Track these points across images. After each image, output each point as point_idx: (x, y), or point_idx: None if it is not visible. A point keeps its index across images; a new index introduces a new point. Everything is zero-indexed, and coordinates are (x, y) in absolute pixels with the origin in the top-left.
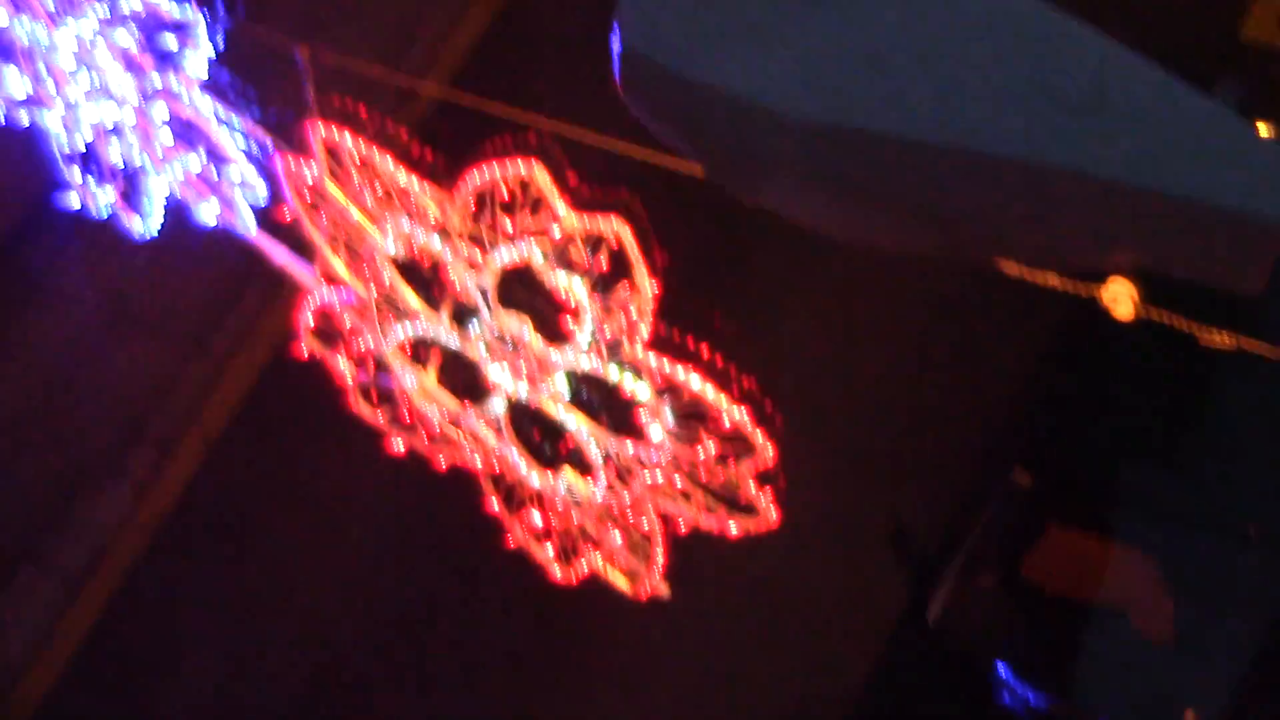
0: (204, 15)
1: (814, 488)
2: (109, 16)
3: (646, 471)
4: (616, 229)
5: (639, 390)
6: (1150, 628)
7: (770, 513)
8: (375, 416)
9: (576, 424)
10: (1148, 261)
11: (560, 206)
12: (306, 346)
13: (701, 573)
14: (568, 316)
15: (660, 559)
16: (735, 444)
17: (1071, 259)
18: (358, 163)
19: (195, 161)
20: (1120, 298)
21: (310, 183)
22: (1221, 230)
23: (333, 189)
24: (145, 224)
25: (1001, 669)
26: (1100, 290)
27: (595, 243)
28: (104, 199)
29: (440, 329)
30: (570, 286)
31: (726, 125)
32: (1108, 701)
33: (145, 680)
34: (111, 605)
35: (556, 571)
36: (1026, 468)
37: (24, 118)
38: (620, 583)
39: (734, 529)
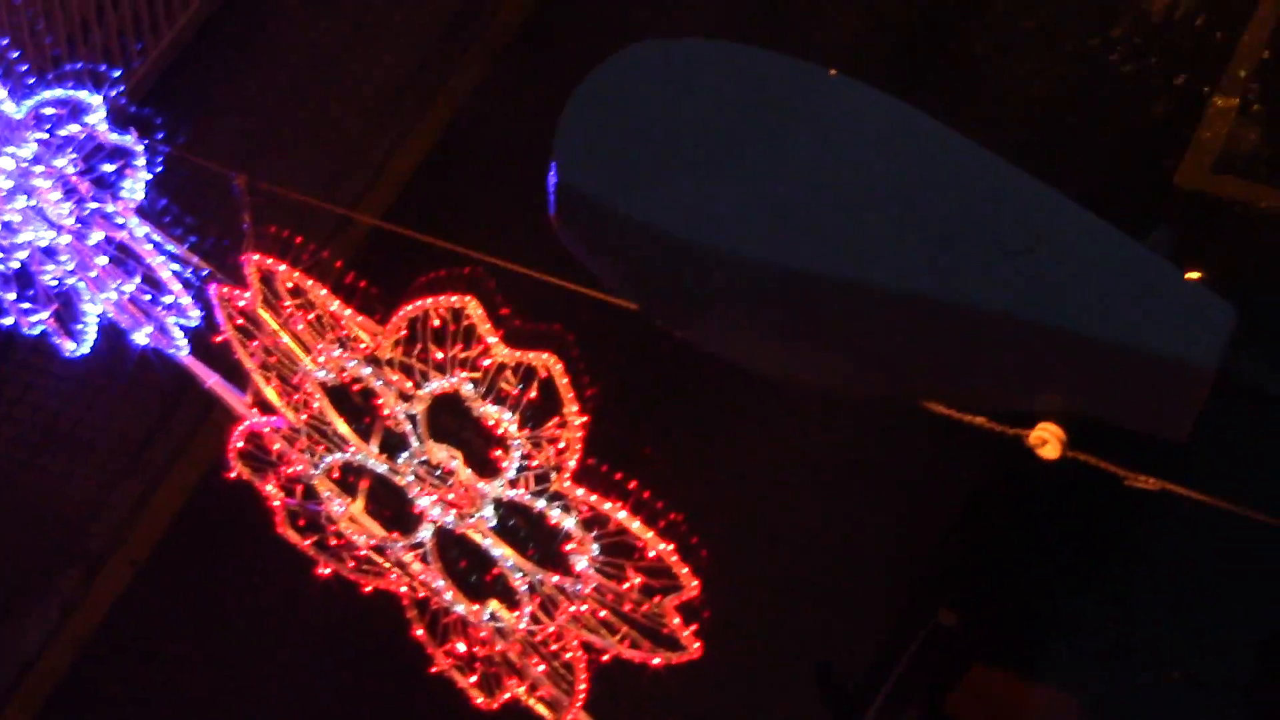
0: (142, 142)
1: (739, 621)
2: (47, 139)
3: (571, 603)
4: (547, 361)
5: (566, 522)
6: None
7: (694, 645)
8: (302, 542)
9: (503, 554)
10: (1076, 406)
11: (491, 338)
12: (235, 470)
13: (622, 704)
14: (497, 448)
15: (582, 689)
16: (661, 577)
17: (1000, 402)
18: (291, 290)
19: (130, 285)
20: (1048, 440)
21: (243, 309)
22: (1150, 375)
23: (266, 316)
24: (78, 345)
25: None
26: (1028, 433)
27: (526, 375)
28: (36, 319)
29: (369, 457)
30: (499, 418)
31: (661, 261)
32: None
33: None
34: None
35: (478, 699)
36: (952, 606)
37: None
38: (542, 712)
39: (656, 661)
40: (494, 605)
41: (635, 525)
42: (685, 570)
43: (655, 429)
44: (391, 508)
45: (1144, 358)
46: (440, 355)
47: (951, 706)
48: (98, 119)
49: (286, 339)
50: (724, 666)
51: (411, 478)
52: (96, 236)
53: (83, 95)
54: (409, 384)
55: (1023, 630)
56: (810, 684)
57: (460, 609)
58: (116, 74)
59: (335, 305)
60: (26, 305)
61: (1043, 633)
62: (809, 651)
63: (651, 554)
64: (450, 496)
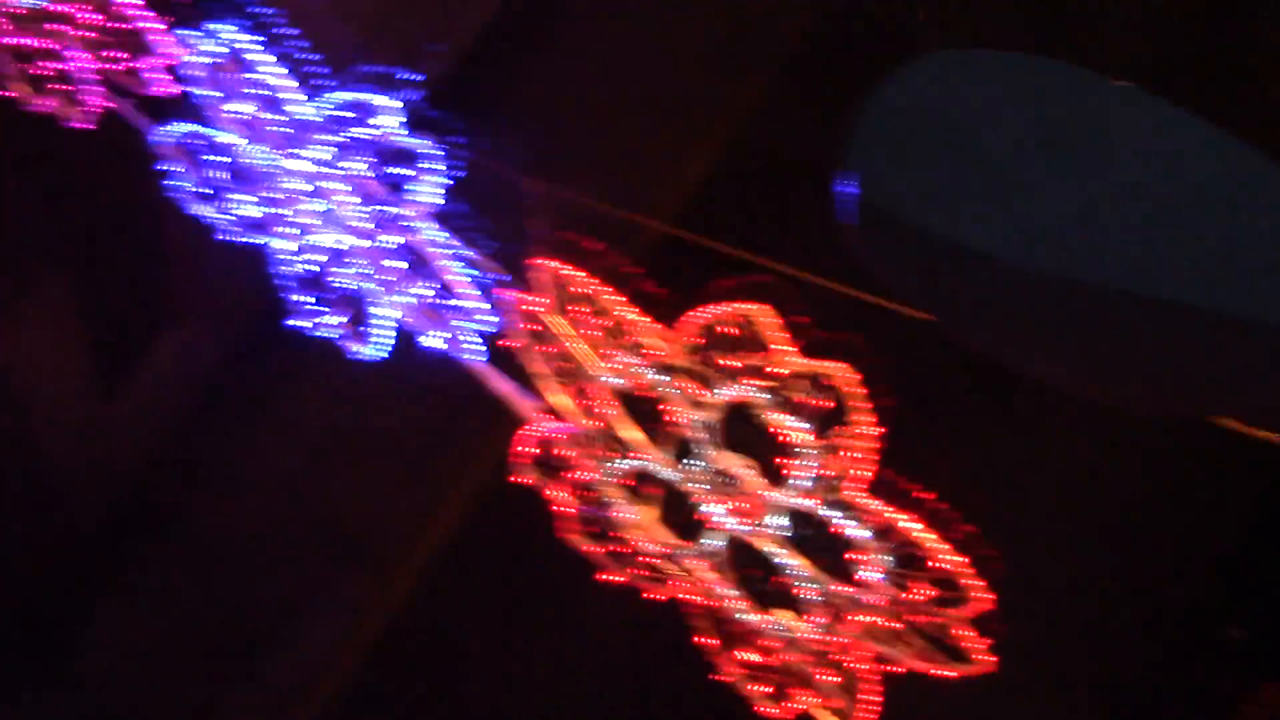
0: (437, 145)
1: (1029, 635)
2: (343, 143)
3: (863, 614)
4: (841, 371)
5: (858, 533)
6: None
7: (987, 659)
8: (591, 549)
9: (793, 563)
10: None
11: (785, 346)
12: (524, 476)
13: (914, 717)
14: (789, 456)
15: (873, 701)
16: (954, 589)
17: None
18: (583, 296)
19: (424, 290)
20: None
21: (535, 314)
22: None
23: (558, 322)
24: (372, 350)
25: None
26: None
27: (819, 384)
28: (332, 324)
29: (660, 464)
30: (792, 426)
31: (958, 276)
32: None
33: None
34: None
35: (768, 709)
36: (1241, 623)
37: (255, 241)
38: None
39: (950, 675)
40: (784, 614)
41: (928, 537)
42: (979, 582)
43: (949, 441)
44: (682, 516)
45: None
46: (733, 362)
47: None
48: (392, 121)
49: (578, 345)
50: (1016, 681)
51: (703, 485)
52: (390, 240)
53: (377, 98)
54: (701, 391)
55: None
56: (1097, 702)
57: (751, 618)
58: (411, 77)
59: (627, 311)
60: (321, 309)
61: None
62: (1097, 668)
63: (944, 566)
64: (741, 505)
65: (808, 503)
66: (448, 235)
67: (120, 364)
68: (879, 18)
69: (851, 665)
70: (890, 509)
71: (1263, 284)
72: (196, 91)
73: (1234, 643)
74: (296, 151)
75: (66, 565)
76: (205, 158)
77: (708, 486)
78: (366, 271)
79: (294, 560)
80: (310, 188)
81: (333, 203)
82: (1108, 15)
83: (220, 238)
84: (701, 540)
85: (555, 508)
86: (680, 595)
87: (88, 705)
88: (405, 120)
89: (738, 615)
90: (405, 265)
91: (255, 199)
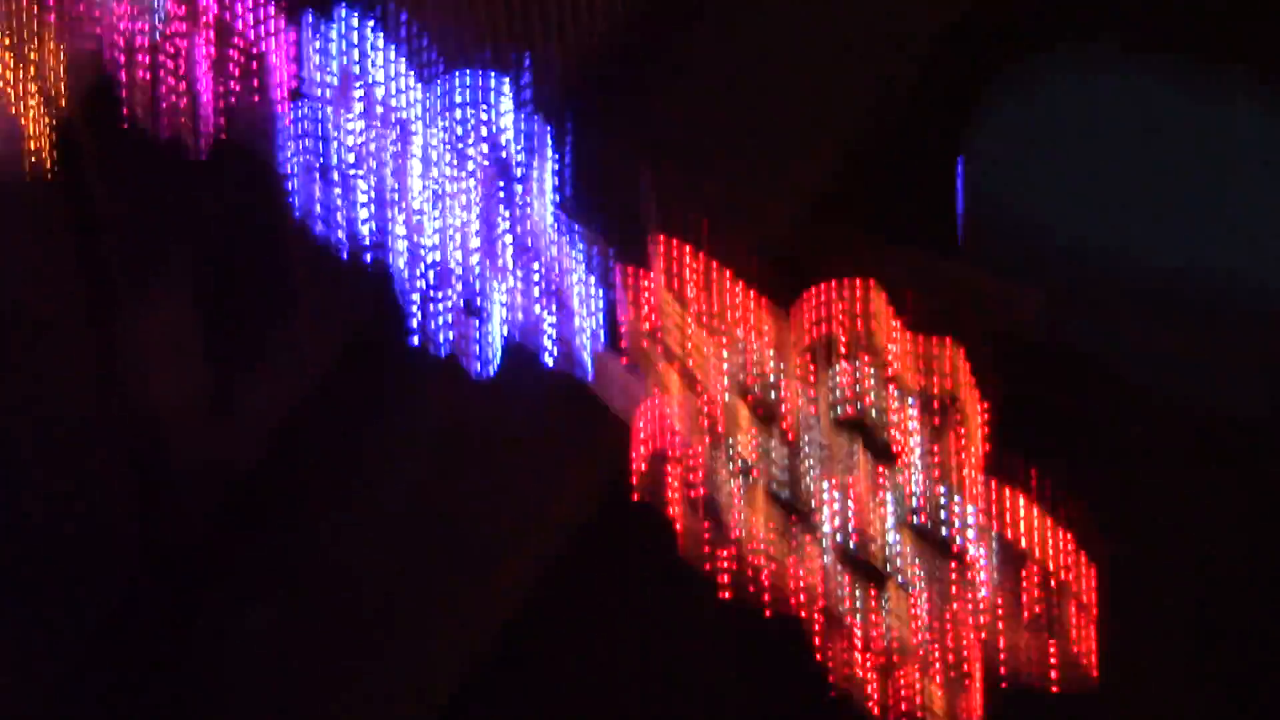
0: (550, 133)
1: (1138, 644)
2: (456, 134)
3: (969, 604)
4: (952, 356)
5: (967, 520)
6: None
7: (1091, 661)
8: (703, 531)
9: (903, 549)
10: None
11: (896, 331)
12: (640, 464)
13: (1019, 716)
14: (899, 441)
15: (979, 697)
16: (1061, 586)
17: None
18: (697, 280)
19: (536, 290)
20: None
21: (648, 298)
22: None
23: (671, 304)
24: (484, 365)
25: None
26: None
27: (930, 369)
28: (445, 334)
29: (772, 447)
30: (903, 411)
31: (1068, 265)
32: None
33: None
34: None
35: (875, 700)
36: None
37: (367, 243)
38: (937, 717)
39: (1054, 674)
40: (892, 602)
41: (1038, 529)
42: (1087, 581)
43: (1059, 432)
44: (793, 499)
45: None
46: (844, 346)
47: None
48: (508, 107)
49: (691, 327)
50: (1121, 687)
51: (812, 465)
52: (504, 229)
53: (493, 83)
54: (815, 375)
55: None
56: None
57: (859, 603)
58: (527, 63)
59: (741, 295)
60: (438, 320)
61: None
62: (1213, 690)
63: (1053, 562)
64: (854, 489)
65: (916, 484)
66: (561, 218)
67: (241, 371)
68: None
69: (958, 658)
70: (1001, 498)
71: None
72: (316, 100)
73: None
74: (414, 148)
75: (182, 566)
76: (325, 168)
77: (818, 466)
78: (482, 271)
79: (408, 564)
80: (429, 191)
81: (448, 186)
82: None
83: (340, 246)
84: (812, 523)
85: (672, 516)
86: (791, 595)
87: (202, 696)
88: (519, 105)
89: (846, 601)
90: (519, 255)
91: (374, 208)
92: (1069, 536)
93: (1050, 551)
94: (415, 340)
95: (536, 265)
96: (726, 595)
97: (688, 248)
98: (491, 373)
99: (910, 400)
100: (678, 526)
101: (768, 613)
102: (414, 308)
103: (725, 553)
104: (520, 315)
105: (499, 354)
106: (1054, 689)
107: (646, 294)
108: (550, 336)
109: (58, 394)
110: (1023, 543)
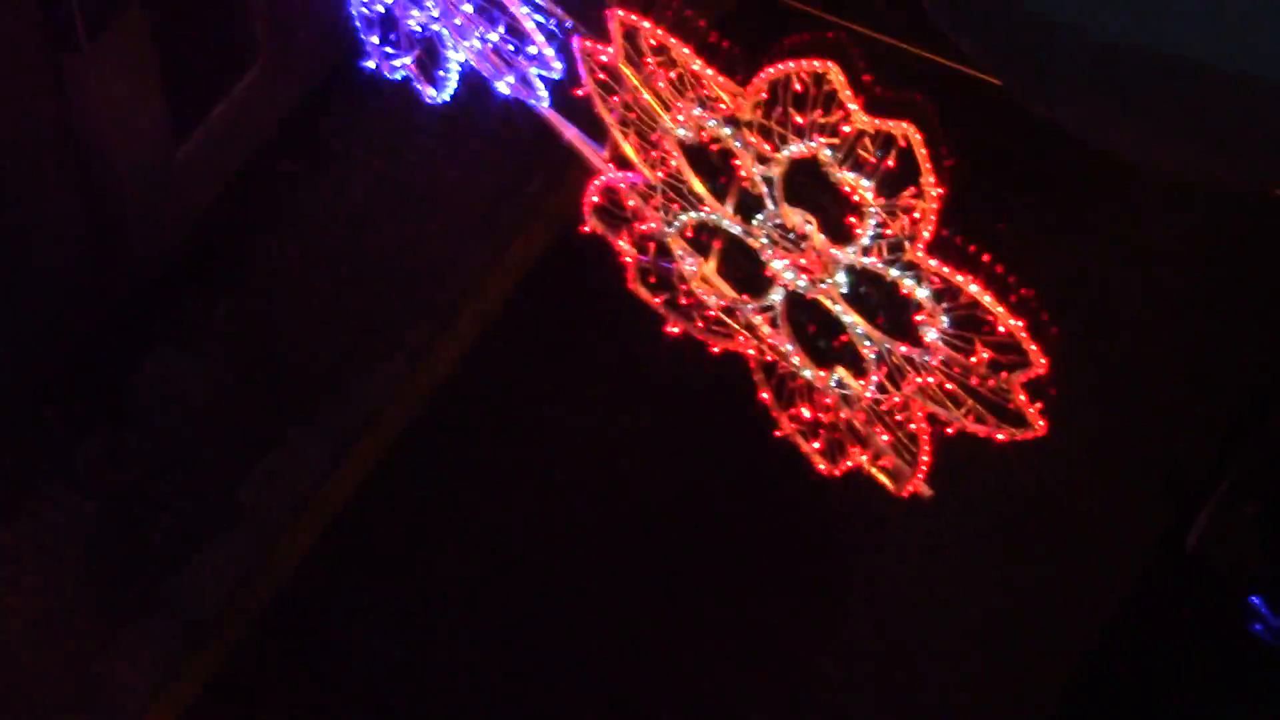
0: None
1: (1083, 405)
2: None
3: (918, 374)
4: (907, 131)
5: (917, 292)
6: None
7: (1038, 424)
8: (653, 299)
9: (852, 321)
10: None
11: (852, 105)
12: (590, 225)
13: (963, 477)
14: (852, 214)
15: (925, 460)
16: (1009, 353)
17: None
18: (654, 48)
19: (494, 34)
20: None
21: (605, 64)
22: None
23: (627, 71)
24: (439, 92)
25: (1256, 601)
26: None
27: (884, 143)
28: (399, 64)
29: (724, 217)
30: (856, 184)
31: (1029, 40)
32: None
33: (404, 550)
34: (377, 473)
35: (821, 465)
36: None
37: None
38: (883, 480)
39: (1000, 437)
40: (841, 372)
41: (986, 299)
42: (1034, 347)
43: (1014, 205)
44: (743, 269)
45: None
46: (800, 120)
47: None
48: None
49: (647, 95)
50: (1065, 449)
51: (765, 240)
52: None
53: None
54: (767, 146)
55: None
56: (1150, 473)
57: (807, 374)
58: None
59: (697, 64)
60: (390, 50)
61: None
62: (1150, 441)
63: (1001, 329)
64: (803, 261)
65: (869, 260)
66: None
67: (193, 107)
68: None
69: (906, 424)
70: (951, 270)
71: None
72: None
73: None
74: None
75: (132, 308)
76: None
77: (770, 241)
78: (436, 13)
79: (354, 308)
80: None
81: None
82: None
83: None
84: (763, 295)
85: (620, 258)
86: (739, 350)
87: (148, 447)
88: None
89: (797, 371)
90: (474, 8)
91: None
92: (1018, 313)
93: (999, 327)
94: (368, 64)
95: (490, 25)
96: (674, 331)
97: (646, 12)
98: (447, 99)
99: (865, 176)
100: (632, 289)
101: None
102: (369, 38)
103: (675, 322)
104: (474, 64)
105: (455, 82)
106: (998, 457)
107: (602, 60)
108: (504, 85)
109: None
110: (974, 318)
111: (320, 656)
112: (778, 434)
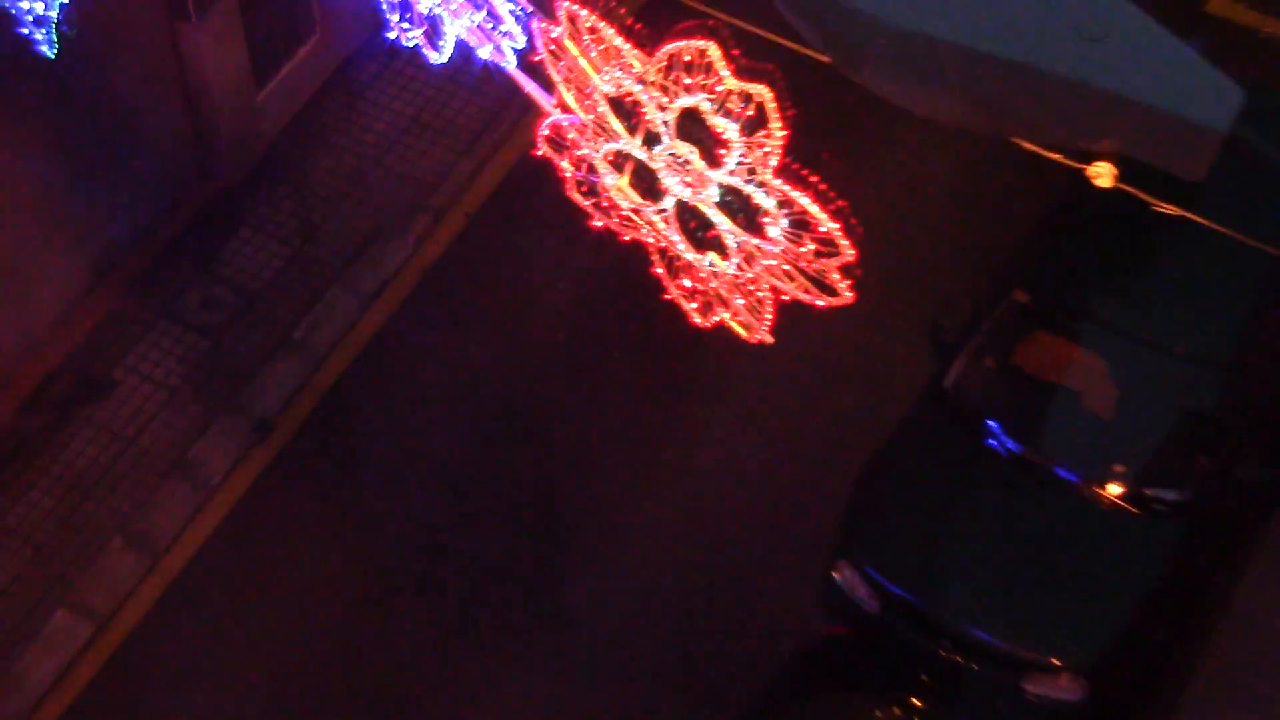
0: None
1: (878, 283)
2: None
3: (765, 258)
4: (762, 90)
5: (766, 202)
6: (1098, 406)
7: (847, 295)
8: (584, 202)
9: (720, 220)
10: (1125, 149)
11: (724, 71)
12: (541, 150)
13: (794, 330)
14: (722, 147)
15: (769, 318)
16: (829, 245)
17: (1072, 143)
18: (589, 29)
19: (478, 16)
20: (1103, 174)
21: (555, 39)
22: (1178, 132)
23: (570, 45)
24: (440, 56)
25: (992, 424)
26: (1089, 167)
27: (746, 98)
28: (412, 34)
29: (634, 147)
30: (725, 127)
31: (843, 27)
32: (1063, 452)
33: (412, 374)
34: (391, 320)
35: (697, 319)
36: (1025, 289)
37: None
38: (739, 331)
39: (820, 303)
40: (712, 255)
41: (813, 208)
42: (846, 241)
43: (834, 143)
44: (646, 183)
45: (1175, 119)
46: (688, 81)
47: (1019, 356)
48: None
49: (583, 62)
50: (865, 315)
51: (662, 164)
52: None
53: None
54: (665, 99)
55: (1074, 309)
56: (922, 333)
57: (689, 256)
58: None
59: (619, 41)
60: (406, 25)
61: (1088, 312)
62: (923, 310)
63: (823, 229)
64: (688, 179)
65: (733, 180)
66: None
67: (269, 64)
68: None
69: (756, 293)
70: (790, 187)
71: (1058, 46)
72: None
73: (1020, 301)
74: None
75: (223, 200)
76: None
77: (666, 165)
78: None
79: (376, 204)
80: None
81: None
82: None
83: None
84: (659, 201)
85: (561, 173)
86: (642, 239)
87: (230, 297)
88: None
89: (681, 254)
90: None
91: None
92: (836, 217)
93: (822, 227)
94: (390, 35)
95: (476, 13)
96: (598, 225)
97: (584, 5)
98: (445, 61)
99: (731, 120)
100: (569, 195)
101: (628, 261)
102: (393, 16)
103: (599, 218)
104: (466, 37)
105: (450, 52)
106: (819, 308)
107: (553, 35)
108: (485, 52)
109: (147, 80)
110: (805, 220)
111: (351, 445)
112: (666, 296)
